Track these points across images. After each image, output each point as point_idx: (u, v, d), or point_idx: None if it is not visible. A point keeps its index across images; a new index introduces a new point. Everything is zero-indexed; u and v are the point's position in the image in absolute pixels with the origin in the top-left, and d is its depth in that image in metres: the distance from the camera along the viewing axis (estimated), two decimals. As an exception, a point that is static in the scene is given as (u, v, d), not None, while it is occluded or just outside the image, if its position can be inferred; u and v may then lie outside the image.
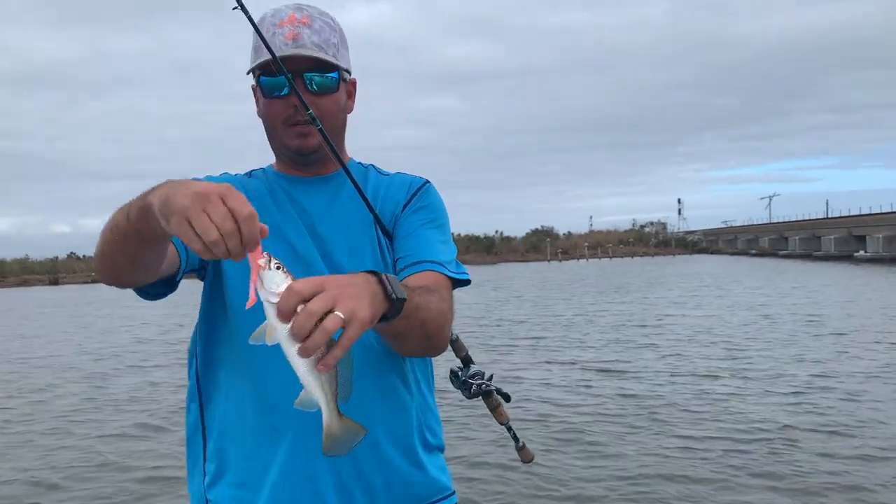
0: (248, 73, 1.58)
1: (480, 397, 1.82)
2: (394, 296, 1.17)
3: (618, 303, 21.25)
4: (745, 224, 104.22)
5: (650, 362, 10.65)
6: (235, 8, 1.51)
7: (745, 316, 16.57)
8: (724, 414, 7.40)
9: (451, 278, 1.51)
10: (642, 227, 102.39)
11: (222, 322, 1.52)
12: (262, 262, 1.06)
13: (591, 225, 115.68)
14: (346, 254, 1.54)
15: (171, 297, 1.51)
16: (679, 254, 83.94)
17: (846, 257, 51.86)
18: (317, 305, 1.02)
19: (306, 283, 1.05)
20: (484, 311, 19.85)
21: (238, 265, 1.12)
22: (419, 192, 1.63)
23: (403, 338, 1.37)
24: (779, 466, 5.68)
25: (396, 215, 1.59)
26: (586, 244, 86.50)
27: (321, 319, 1.02)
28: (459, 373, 1.83)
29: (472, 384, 1.80)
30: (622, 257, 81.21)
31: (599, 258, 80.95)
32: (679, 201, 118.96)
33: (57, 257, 76.27)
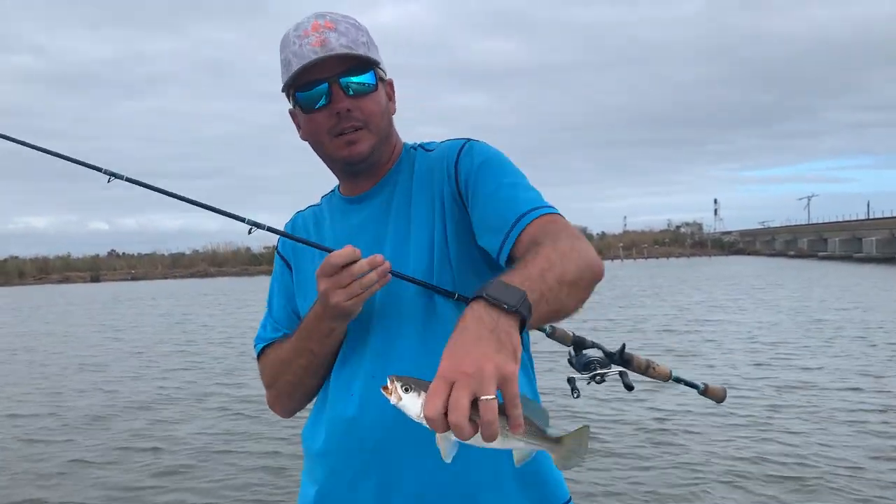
0: (283, 92, 1.54)
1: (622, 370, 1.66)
2: (513, 307, 1.05)
3: (656, 306, 21.01)
4: (784, 225, 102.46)
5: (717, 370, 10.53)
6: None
7: (799, 323, 16.22)
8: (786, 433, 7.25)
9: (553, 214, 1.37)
10: (678, 227, 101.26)
11: None
12: (392, 399, 1.05)
13: (626, 225, 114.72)
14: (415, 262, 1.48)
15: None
16: (715, 255, 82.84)
17: (888, 259, 50.74)
18: (458, 416, 0.95)
19: (435, 397, 0.96)
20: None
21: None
22: (460, 159, 1.49)
23: (565, 306, 1.22)
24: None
25: (450, 196, 1.49)
26: (621, 245, 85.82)
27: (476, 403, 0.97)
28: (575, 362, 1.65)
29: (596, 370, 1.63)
30: (657, 258, 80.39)
31: (634, 259, 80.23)
32: (715, 201, 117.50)
33: (98, 255, 77.77)
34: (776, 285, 28.42)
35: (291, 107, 1.55)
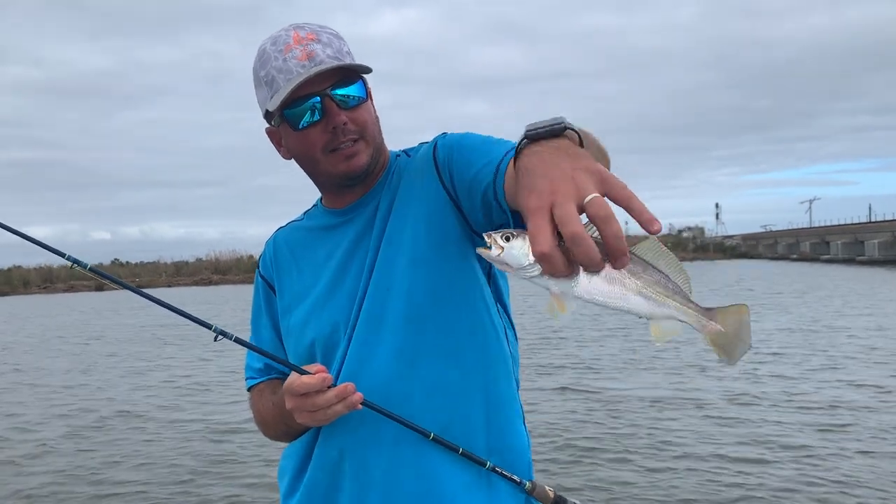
0: (266, 116, 1.47)
1: None
2: (559, 123, 0.99)
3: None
4: (786, 228, 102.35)
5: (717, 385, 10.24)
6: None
7: (814, 330, 15.76)
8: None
9: None
10: (680, 231, 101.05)
11: None
12: (494, 252, 0.92)
13: (627, 230, 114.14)
14: (411, 262, 1.43)
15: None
16: (718, 259, 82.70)
17: (891, 262, 50.68)
18: (574, 226, 0.79)
19: (541, 228, 0.81)
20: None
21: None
22: (437, 151, 1.45)
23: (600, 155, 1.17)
24: None
25: (436, 194, 1.43)
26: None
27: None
28: None
29: None
30: (659, 262, 79.76)
31: (636, 263, 79.67)
32: (717, 206, 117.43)
33: (101, 263, 77.58)
34: (784, 290, 28.08)
35: (271, 125, 1.48)
